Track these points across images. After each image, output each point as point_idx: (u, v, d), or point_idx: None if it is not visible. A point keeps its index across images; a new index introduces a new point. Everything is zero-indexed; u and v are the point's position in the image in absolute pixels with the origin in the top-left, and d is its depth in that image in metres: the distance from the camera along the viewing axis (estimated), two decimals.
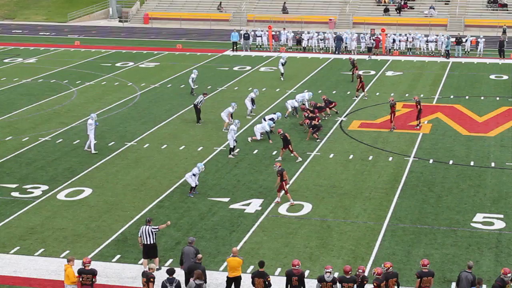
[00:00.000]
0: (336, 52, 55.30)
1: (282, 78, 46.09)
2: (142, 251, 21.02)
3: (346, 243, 22.77)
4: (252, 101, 37.47)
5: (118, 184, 28.14)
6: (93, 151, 31.68)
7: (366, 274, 18.80)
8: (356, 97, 40.92)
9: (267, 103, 40.00)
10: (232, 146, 30.86)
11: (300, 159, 30.35)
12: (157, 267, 20.74)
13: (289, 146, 30.39)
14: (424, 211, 25.20)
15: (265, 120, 33.97)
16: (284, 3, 71.44)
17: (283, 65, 46.08)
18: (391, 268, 18.25)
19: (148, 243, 20.77)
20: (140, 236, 20.87)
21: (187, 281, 19.29)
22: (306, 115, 34.26)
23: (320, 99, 37.80)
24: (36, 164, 30.47)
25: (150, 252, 20.90)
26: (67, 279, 18.69)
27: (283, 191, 25.88)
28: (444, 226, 23.93)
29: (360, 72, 43.36)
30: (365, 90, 41.46)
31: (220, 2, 73.21)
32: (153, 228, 20.84)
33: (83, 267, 18.69)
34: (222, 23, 71.16)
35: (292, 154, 30.43)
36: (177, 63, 52.37)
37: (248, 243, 22.86)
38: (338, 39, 55.55)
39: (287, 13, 70.50)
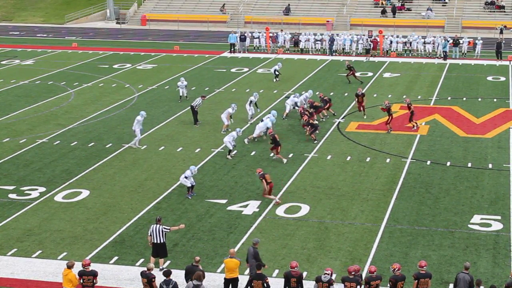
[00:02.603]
0: (332, 54, 55.34)
1: (275, 80, 46.17)
2: (152, 250, 21.03)
3: (343, 245, 22.77)
4: (255, 104, 37.03)
5: (115, 185, 28.12)
6: (137, 145, 32.31)
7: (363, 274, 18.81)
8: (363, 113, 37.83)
9: (265, 104, 39.98)
10: (230, 148, 30.87)
11: (285, 161, 30.23)
12: (161, 266, 20.88)
13: (278, 147, 30.30)
14: (421, 213, 25.21)
15: (262, 121, 33.89)
16: (288, 4, 71.52)
17: (276, 71, 46.10)
18: (398, 270, 18.16)
19: (158, 242, 20.82)
20: (150, 235, 20.89)
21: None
22: (307, 117, 33.82)
23: (317, 98, 37.81)
24: (33, 166, 30.44)
25: (160, 251, 20.96)
26: (69, 282, 18.58)
27: (273, 196, 26.01)
28: (442, 228, 23.94)
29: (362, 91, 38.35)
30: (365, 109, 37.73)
31: (224, 4, 73.22)
32: (164, 228, 20.92)
33: (84, 269, 18.66)
34: (219, 25, 71.20)
35: (276, 156, 30.28)
36: (175, 64, 52.39)
37: (245, 244, 22.82)
38: (332, 41, 55.67)
39: (288, 14, 70.53)
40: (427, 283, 18.23)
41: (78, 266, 19.14)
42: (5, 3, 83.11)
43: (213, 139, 33.84)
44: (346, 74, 45.94)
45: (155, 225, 20.99)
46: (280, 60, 51.06)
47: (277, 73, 46.28)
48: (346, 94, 42.42)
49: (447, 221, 24.44)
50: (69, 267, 18.67)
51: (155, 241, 20.86)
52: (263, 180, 25.95)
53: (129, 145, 32.47)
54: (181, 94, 40.95)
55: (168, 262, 21.61)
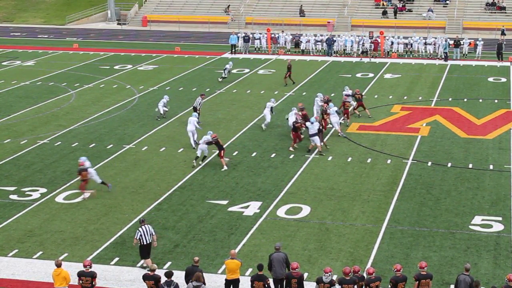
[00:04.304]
0: (331, 55, 55.37)
1: (220, 79, 46.14)
2: (141, 251, 20.95)
3: (344, 246, 22.77)
4: (271, 109, 36.35)
5: (116, 186, 28.11)
6: (194, 146, 32.16)
7: (364, 275, 18.79)
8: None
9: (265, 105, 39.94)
10: (198, 155, 30.05)
11: (225, 168, 29.81)
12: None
13: (222, 151, 29.93)
14: (422, 214, 25.20)
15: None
16: (301, 5, 71.48)
17: (227, 70, 45.99)
18: (398, 271, 18.11)
19: (148, 242, 20.81)
20: (139, 238, 20.78)
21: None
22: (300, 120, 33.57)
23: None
24: (34, 166, 30.45)
25: (150, 251, 20.97)
26: (63, 281, 18.51)
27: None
28: (443, 229, 23.94)
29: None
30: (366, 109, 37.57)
31: (228, 5, 73.18)
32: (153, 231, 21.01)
33: (83, 269, 18.63)
34: (220, 26, 71.22)
35: (221, 159, 30.03)
36: (176, 65, 52.40)
37: (246, 245, 22.85)
38: (330, 42, 55.68)
39: (304, 15, 70.54)
40: (428, 284, 18.22)
41: (76, 267, 19.13)
42: (6, 4, 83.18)
43: None
44: (285, 76, 45.34)
45: (143, 226, 20.87)
46: (280, 61, 51.07)
47: (226, 72, 45.92)
48: None
49: (448, 222, 24.43)
50: (59, 265, 18.60)
51: (146, 242, 20.81)
52: (80, 175, 26.90)
53: (192, 143, 32.43)
54: (161, 112, 37.35)
55: (169, 263, 21.61)
